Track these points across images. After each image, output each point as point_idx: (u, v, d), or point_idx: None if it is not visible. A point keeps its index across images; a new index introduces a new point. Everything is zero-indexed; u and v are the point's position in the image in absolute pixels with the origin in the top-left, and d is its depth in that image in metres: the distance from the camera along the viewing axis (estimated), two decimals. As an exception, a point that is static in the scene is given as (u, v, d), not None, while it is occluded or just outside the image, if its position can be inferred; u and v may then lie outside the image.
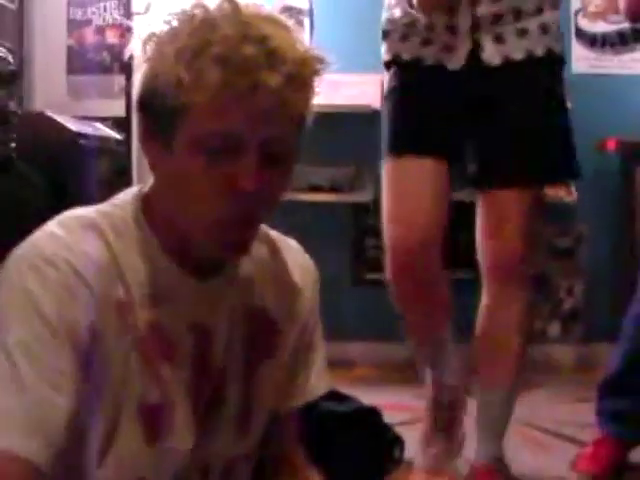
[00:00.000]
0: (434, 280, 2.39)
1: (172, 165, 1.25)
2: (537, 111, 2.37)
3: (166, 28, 1.24)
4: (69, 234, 1.25)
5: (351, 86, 4.10)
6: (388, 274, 2.38)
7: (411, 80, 2.41)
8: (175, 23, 1.23)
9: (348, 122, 4.06)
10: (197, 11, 1.23)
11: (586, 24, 4.47)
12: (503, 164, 2.37)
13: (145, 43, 1.25)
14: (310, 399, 1.57)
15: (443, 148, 2.35)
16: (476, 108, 2.35)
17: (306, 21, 4.43)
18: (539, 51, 2.35)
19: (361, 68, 3.77)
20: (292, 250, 1.49)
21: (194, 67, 1.18)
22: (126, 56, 1.36)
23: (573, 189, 4.18)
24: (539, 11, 2.34)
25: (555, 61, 2.42)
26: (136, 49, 1.27)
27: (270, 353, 1.45)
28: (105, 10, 4.59)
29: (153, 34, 1.25)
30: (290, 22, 1.29)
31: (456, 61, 2.32)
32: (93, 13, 4.60)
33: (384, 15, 2.46)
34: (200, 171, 1.22)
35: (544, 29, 2.36)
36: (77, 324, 1.20)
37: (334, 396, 1.79)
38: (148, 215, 1.32)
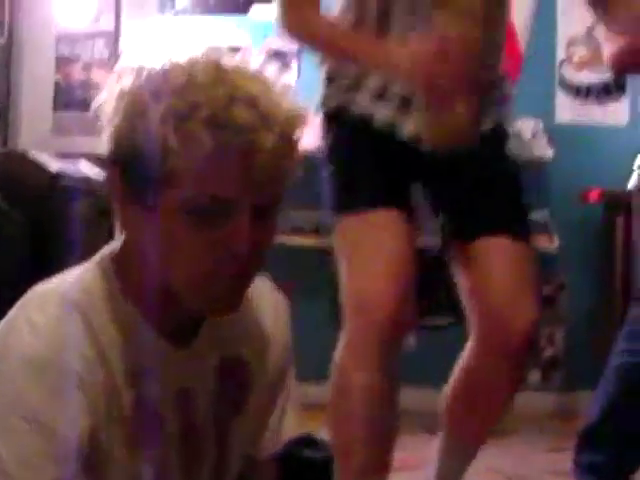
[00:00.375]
0: (399, 351, 2.21)
1: (154, 226, 1.20)
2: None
3: (145, 83, 1.20)
4: (52, 324, 1.21)
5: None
6: (348, 344, 2.17)
7: (362, 137, 2.28)
8: (155, 80, 1.19)
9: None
10: (179, 69, 1.20)
11: (571, 74, 4.51)
12: (487, 207, 2.28)
13: (121, 97, 1.20)
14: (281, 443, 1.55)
15: (403, 199, 2.27)
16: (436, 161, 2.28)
17: (294, 64, 4.45)
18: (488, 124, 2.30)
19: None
20: (262, 291, 1.45)
21: (183, 131, 1.15)
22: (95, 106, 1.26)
23: (555, 238, 4.20)
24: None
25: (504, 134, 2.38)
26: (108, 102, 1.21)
27: (239, 410, 1.41)
28: (93, 47, 4.61)
29: (132, 89, 1.20)
30: (271, 78, 1.28)
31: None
32: (81, 50, 4.62)
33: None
34: (189, 233, 1.19)
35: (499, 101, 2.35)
36: (73, 430, 1.18)
37: (311, 442, 1.78)
38: (121, 280, 1.27)
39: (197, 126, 1.15)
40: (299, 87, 4.38)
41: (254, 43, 4.45)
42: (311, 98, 4.26)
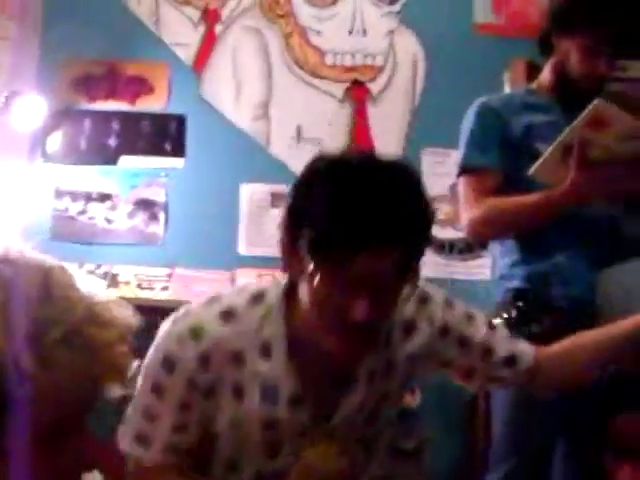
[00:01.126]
0: None
1: None
2: None
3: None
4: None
5: (202, 282, 4.12)
6: None
7: None
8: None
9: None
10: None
11: (436, 230, 4.58)
12: None
13: None
14: None
15: None
16: None
17: (161, 215, 4.46)
18: None
19: (213, 264, 3.80)
20: None
21: None
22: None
23: (417, 392, 4.22)
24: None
25: None
26: None
27: None
28: None
29: None
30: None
31: None
32: None
33: None
34: None
35: None
36: None
37: None
38: None
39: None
40: (166, 238, 4.44)
41: (122, 193, 4.46)
42: (177, 249, 4.31)
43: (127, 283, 4.25)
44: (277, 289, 1.80)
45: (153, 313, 4.16)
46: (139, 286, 4.22)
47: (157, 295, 4.19)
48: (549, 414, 2.60)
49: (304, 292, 1.70)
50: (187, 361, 1.74)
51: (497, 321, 2.75)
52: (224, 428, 1.81)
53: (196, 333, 1.74)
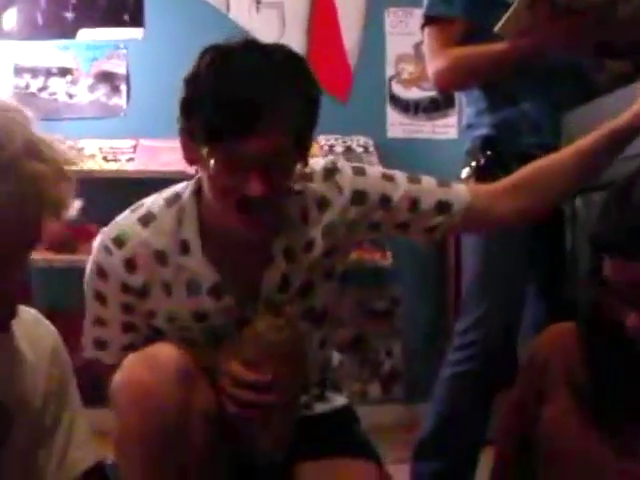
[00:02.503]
0: None
1: None
2: None
3: None
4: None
5: (168, 152, 4.10)
6: None
7: None
8: None
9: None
10: None
11: (400, 90, 4.59)
12: None
13: None
14: (72, 476, 1.59)
15: None
16: None
17: (123, 87, 4.41)
18: None
19: (177, 134, 3.76)
20: (23, 324, 1.54)
21: None
22: None
23: (388, 253, 4.26)
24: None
25: None
26: None
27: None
28: None
29: None
30: None
31: None
32: None
33: None
34: None
35: None
36: None
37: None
38: None
39: None
40: (129, 110, 4.40)
41: (83, 66, 4.40)
42: (140, 120, 4.28)
43: (92, 156, 4.21)
44: (188, 188, 1.90)
45: (121, 184, 4.16)
46: (105, 159, 4.19)
47: (123, 167, 4.16)
48: (520, 255, 2.64)
49: (205, 181, 1.80)
50: (116, 267, 1.87)
51: (466, 170, 2.78)
52: (163, 323, 1.93)
53: (119, 240, 1.87)
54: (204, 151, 1.73)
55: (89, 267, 1.92)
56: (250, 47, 1.76)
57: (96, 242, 1.91)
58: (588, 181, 2.08)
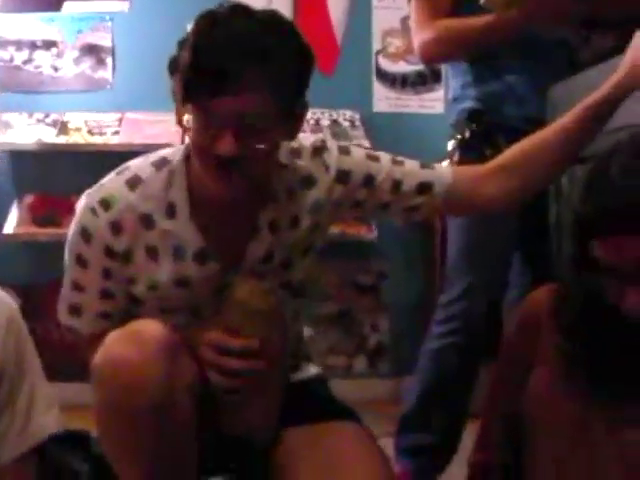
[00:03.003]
0: None
1: None
2: None
3: None
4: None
5: (153, 125, 4.09)
6: None
7: None
8: None
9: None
10: None
11: (387, 64, 4.58)
12: None
13: None
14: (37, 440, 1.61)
15: None
16: None
17: (108, 60, 4.39)
18: None
19: (163, 107, 3.75)
20: None
21: None
22: None
23: (373, 227, 4.26)
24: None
25: None
26: None
27: None
28: None
29: None
30: None
31: None
32: None
33: None
34: None
35: None
36: None
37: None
38: None
39: None
40: (115, 83, 4.39)
41: (68, 39, 4.38)
42: (126, 93, 4.27)
43: (78, 130, 4.20)
44: (178, 153, 1.91)
45: (106, 158, 4.15)
46: (90, 132, 4.18)
47: (109, 140, 4.13)
48: (504, 228, 2.64)
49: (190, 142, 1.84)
50: (101, 229, 1.86)
51: (451, 143, 2.78)
52: (143, 291, 1.92)
53: (106, 203, 1.85)
54: (187, 111, 1.76)
55: (72, 230, 1.91)
56: (237, 12, 1.77)
57: (80, 204, 1.89)
58: (574, 157, 2.07)
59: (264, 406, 1.90)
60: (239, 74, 1.70)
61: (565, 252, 2.39)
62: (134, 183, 1.87)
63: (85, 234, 1.87)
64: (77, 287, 1.94)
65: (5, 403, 1.59)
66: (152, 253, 1.89)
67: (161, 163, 1.90)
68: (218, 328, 1.82)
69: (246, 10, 1.78)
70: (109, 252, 1.88)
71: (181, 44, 1.78)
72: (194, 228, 1.89)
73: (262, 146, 1.77)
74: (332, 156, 1.97)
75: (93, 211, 1.86)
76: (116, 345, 1.74)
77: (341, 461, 1.87)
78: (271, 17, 1.79)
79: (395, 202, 2.01)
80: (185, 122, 1.78)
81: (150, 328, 1.76)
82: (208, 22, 1.76)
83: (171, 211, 1.88)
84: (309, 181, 1.96)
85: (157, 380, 1.69)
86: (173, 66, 1.79)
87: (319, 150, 1.97)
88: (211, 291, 1.91)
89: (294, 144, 1.95)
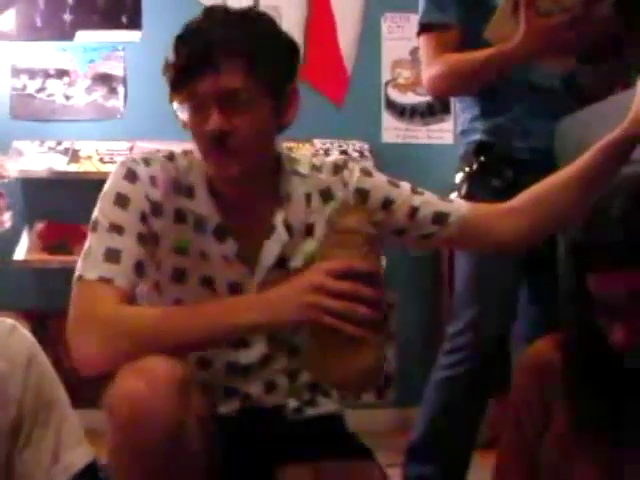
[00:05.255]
0: None
1: None
2: None
3: None
4: None
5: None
6: None
7: None
8: None
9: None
10: None
11: (396, 95, 4.60)
12: None
13: None
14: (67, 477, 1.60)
15: None
16: None
17: (120, 89, 4.42)
18: None
19: (174, 136, 3.77)
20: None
21: None
22: None
23: (383, 258, 4.26)
24: None
25: None
26: None
27: None
28: None
29: None
30: None
31: None
32: None
33: None
34: None
35: None
36: None
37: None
38: None
39: None
40: (126, 112, 4.42)
41: (80, 68, 4.41)
42: (137, 123, 4.30)
43: (89, 158, 4.22)
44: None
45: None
46: (101, 160, 4.20)
47: (120, 169, 4.14)
48: (512, 259, 2.65)
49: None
50: (144, 175, 1.90)
51: (460, 175, 2.79)
52: (166, 253, 1.94)
53: (146, 160, 1.93)
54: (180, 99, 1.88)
55: (115, 173, 1.92)
56: (224, 7, 1.93)
57: (119, 162, 1.95)
58: (592, 199, 2.03)
59: (381, 342, 1.77)
60: (216, 54, 1.81)
61: (562, 286, 2.40)
62: (171, 157, 1.96)
63: (130, 175, 1.89)
64: (116, 229, 1.86)
65: (28, 443, 1.58)
66: (179, 216, 1.94)
67: (186, 153, 1.98)
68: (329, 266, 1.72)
69: (235, 8, 1.93)
70: (148, 198, 1.90)
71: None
72: (214, 206, 1.94)
73: (247, 117, 1.85)
74: (353, 175, 2.04)
75: (136, 162, 1.92)
76: (128, 379, 1.69)
77: None
78: (255, 10, 1.96)
79: (410, 229, 2.05)
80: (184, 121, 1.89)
81: (161, 363, 1.71)
82: (188, 25, 1.88)
83: (190, 192, 1.95)
84: (328, 195, 2.02)
85: (172, 417, 1.66)
86: (165, 61, 1.90)
87: (340, 168, 2.04)
88: (226, 276, 1.95)
89: (316, 161, 2.04)
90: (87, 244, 1.87)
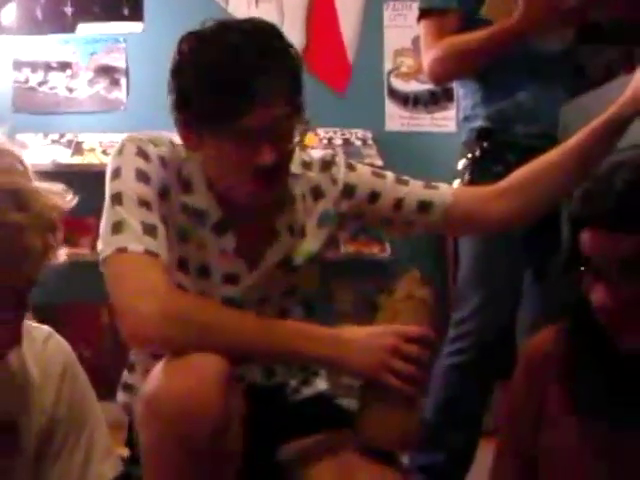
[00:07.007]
0: None
1: None
2: None
3: None
4: None
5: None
6: None
7: None
8: None
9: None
10: None
11: (399, 84, 4.60)
12: None
13: None
14: None
15: None
16: None
17: (122, 81, 4.43)
18: None
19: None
20: (32, 344, 1.57)
21: None
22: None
23: (387, 245, 4.27)
24: None
25: None
26: None
27: (8, 454, 1.50)
28: None
29: None
30: None
31: None
32: None
33: None
34: None
35: None
36: None
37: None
38: None
39: None
40: (129, 104, 4.42)
41: (82, 60, 4.42)
42: (140, 114, 4.30)
43: (92, 150, 4.23)
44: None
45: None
46: (104, 152, 4.20)
47: (123, 160, 4.15)
48: (515, 244, 2.66)
49: (209, 163, 1.85)
50: (153, 157, 1.84)
51: (462, 162, 2.79)
52: (172, 241, 1.87)
53: (154, 142, 1.86)
54: (208, 136, 1.78)
55: (123, 149, 1.85)
56: (227, 27, 1.81)
57: (125, 139, 1.87)
58: (582, 179, 2.06)
59: (423, 406, 1.89)
60: (262, 88, 1.74)
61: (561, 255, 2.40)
62: (172, 143, 1.88)
63: (142, 153, 1.83)
64: (145, 204, 1.80)
65: (59, 453, 1.57)
66: (181, 206, 1.90)
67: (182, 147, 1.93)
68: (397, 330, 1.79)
69: (235, 24, 1.83)
70: (160, 179, 1.85)
71: (178, 73, 1.82)
72: (213, 201, 1.90)
73: (290, 144, 1.83)
74: (340, 171, 2.03)
75: (144, 141, 1.85)
76: (176, 376, 1.65)
77: None
78: (261, 27, 1.82)
79: (396, 218, 2.07)
80: (206, 145, 1.80)
81: (209, 360, 1.66)
82: (204, 44, 1.79)
83: (187, 186, 1.89)
84: (318, 193, 2.02)
85: (219, 411, 1.62)
86: (180, 97, 1.81)
87: (328, 164, 2.03)
88: (223, 270, 1.93)
89: (305, 157, 2.01)
90: (113, 217, 1.78)
